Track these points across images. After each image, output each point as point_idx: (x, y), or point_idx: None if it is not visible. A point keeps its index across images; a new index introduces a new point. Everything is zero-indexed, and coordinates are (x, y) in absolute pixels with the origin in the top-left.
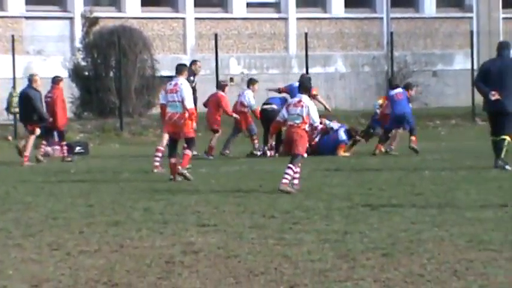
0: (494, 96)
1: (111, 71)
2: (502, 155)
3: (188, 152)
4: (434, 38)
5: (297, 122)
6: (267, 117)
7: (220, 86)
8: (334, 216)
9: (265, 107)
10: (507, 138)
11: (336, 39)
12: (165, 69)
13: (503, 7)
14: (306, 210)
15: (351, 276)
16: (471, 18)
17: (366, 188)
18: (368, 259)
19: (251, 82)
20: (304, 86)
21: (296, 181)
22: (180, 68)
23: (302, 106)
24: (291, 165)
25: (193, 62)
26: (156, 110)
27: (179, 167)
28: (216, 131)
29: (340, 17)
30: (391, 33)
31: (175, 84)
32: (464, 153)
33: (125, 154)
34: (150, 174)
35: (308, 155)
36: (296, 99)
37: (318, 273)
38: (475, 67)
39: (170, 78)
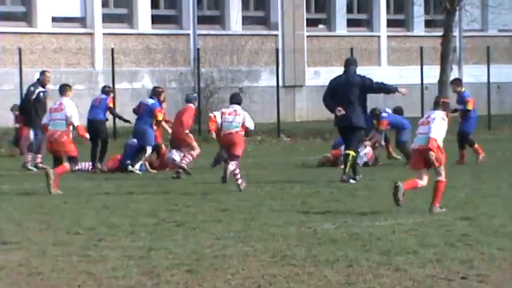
0: (340, 111)
1: None
2: (347, 170)
3: (67, 165)
4: (240, 54)
5: (236, 129)
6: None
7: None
8: (139, 232)
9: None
10: (351, 153)
11: (143, 55)
12: None
13: (308, 25)
14: (111, 227)
15: None
16: (276, 35)
17: (172, 204)
18: (173, 275)
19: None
20: (238, 98)
21: (240, 180)
22: (63, 88)
23: (238, 115)
24: (233, 163)
25: (43, 72)
26: None
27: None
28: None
29: (147, 32)
30: (198, 50)
31: (60, 104)
32: (270, 169)
33: None
34: None
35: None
36: (231, 109)
37: None
38: (280, 84)
39: None
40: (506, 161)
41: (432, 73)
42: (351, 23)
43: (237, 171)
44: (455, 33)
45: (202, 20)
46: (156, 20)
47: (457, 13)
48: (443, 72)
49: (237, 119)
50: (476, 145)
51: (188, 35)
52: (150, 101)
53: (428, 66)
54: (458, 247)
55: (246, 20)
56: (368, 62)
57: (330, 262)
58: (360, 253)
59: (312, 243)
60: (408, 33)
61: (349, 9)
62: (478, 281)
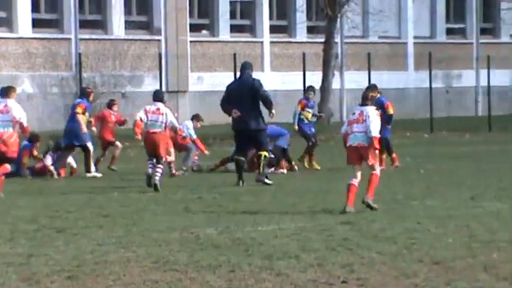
0: (236, 113)
1: None
2: (261, 170)
3: (8, 166)
4: (123, 59)
5: (160, 129)
6: None
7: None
8: (19, 239)
9: None
10: (263, 153)
11: (23, 59)
12: None
13: (191, 30)
14: None
15: None
16: (159, 40)
17: (53, 210)
18: (53, 282)
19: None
20: (161, 95)
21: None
22: (7, 90)
23: (161, 114)
24: (159, 165)
25: None
26: None
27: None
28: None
29: (27, 36)
30: (79, 54)
31: (5, 105)
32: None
33: None
34: None
35: None
36: (154, 107)
37: None
38: (164, 89)
39: None
40: (388, 167)
41: (314, 79)
42: (234, 28)
43: (159, 170)
44: (337, 39)
45: (84, 24)
46: (36, 23)
47: (339, 20)
48: (326, 78)
49: (160, 118)
50: (384, 156)
51: (70, 39)
52: (78, 100)
53: (311, 72)
54: (339, 251)
55: (129, 25)
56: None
57: (212, 267)
58: (242, 258)
59: (194, 248)
60: (291, 39)
61: (232, 15)
62: (358, 285)
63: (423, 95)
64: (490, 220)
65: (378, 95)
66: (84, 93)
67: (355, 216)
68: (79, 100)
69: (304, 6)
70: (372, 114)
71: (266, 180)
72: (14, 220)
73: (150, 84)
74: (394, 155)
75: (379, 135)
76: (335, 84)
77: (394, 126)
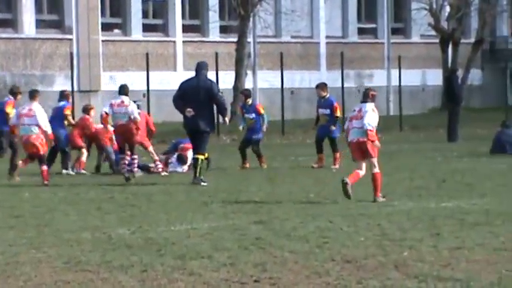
0: (190, 112)
1: None
2: (197, 174)
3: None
4: (34, 58)
5: (126, 120)
6: None
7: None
8: None
9: None
10: (200, 157)
11: None
12: None
13: (103, 30)
14: None
15: None
16: (71, 40)
17: None
18: None
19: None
20: (126, 89)
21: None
22: (33, 93)
23: (126, 105)
24: (134, 156)
25: None
26: None
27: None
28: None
29: None
30: None
31: (30, 109)
32: (64, 174)
33: None
34: None
35: None
36: (119, 100)
37: None
38: (76, 89)
39: None
40: (299, 166)
41: (227, 79)
42: (146, 27)
43: (135, 161)
44: (250, 39)
45: None
46: None
47: (251, 19)
48: (238, 77)
49: (125, 110)
50: (338, 154)
51: None
52: (62, 103)
53: (224, 71)
54: (251, 250)
55: (40, 24)
56: (164, 66)
57: (125, 267)
58: (155, 258)
59: (106, 248)
60: (204, 39)
61: (145, 14)
62: (270, 283)
63: (335, 94)
64: (401, 219)
65: (328, 95)
66: (64, 96)
67: (268, 216)
68: (65, 104)
69: (217, 5)
70: (369, 109)
71: (202, 183)
72: None
73: (61, 84)
74: (336, 154)
75: (373, 128)
76: (248, 83)
77: (307, 125)
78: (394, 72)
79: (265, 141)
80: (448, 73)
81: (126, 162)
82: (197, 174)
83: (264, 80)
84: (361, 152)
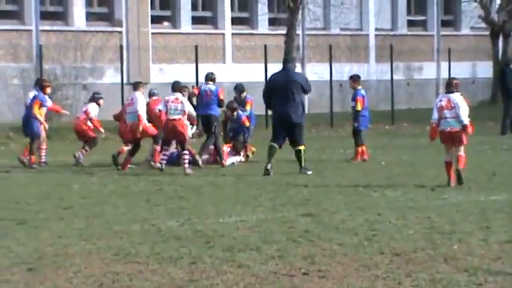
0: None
1: None
2: (303, 163)
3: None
4: (84, 51)
5: (179, 116)
6: None
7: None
8: None
9: None
10: (301, 148)
11: None
12: None
13: (152, 22)
14: None
15: None
16: (121, 32)
17: (13, 202)
18: (13, 274)
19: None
20: (179, 85)
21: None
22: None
23: (180, 102)
24: (185, 152)
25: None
26: None
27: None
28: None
29: None
30: (40, 46)
31: (132, 99)
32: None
33: None
34: None
35: None
36: (173, 97)
37: None
38: (125, 81)
39: None
40: (347, 159)
41: (276, 71)
42: (195, 20)
43: (186, 156)
44: (299, 31)
45: (45, 16)
46: None
47: (300, 12)
48: None
49: (179, 106)
50: (361, 148)
51: (31, 30)
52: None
53: (272, 64)
54: (300, 243)
55: (90, 16)
56: (213, 59)
57: (174, 259)
58: (204, 250)
59: (155, 240)
60: (253, 31)
61: (194, 7)
62: (319, 276)
63: (384, 87)
64: (451, 212)
65: (359, 87)
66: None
67: (316, 208)
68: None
69: None
70: (460, 100)
71: (308, 172)
72: None
73: (111, 76)
74: (360, 148)
75: (468, 122)
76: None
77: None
78: (444, 65)
79: (314, 134)
80: (501, 66)
81: (166, 155)
82: (302, 164)
83: (312, 73)
84: (452, 140)
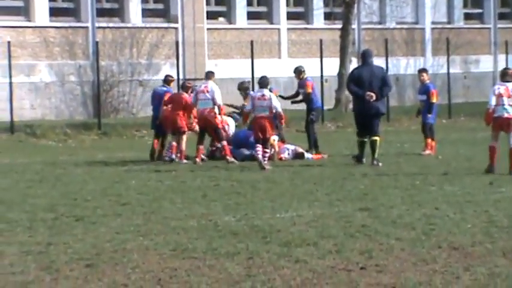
0: (372, 97)
1: None
2: (376, 155)
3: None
4: (140, 47)
5: (266, 113)
6: None
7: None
8: (38, 227)
9: None
10: (377, 138)
11: (41, 48)
12: None
13: (208, 18)
14: (8, 222)
15: None
16: (176, 28)
17: (71, 198)
18: (72, 270)
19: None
20: (265, 82)
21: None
22: (208, 74)
23: (266, 99)
24: (266, 149)
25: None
26: None
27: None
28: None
29: (44, 25)
30: (97, 43)
31: (206, 86)
32: (171, 162)
33: None
34: None
35: None
36: (260, 94)
37: (19, 285)
38: (181, 77)
39: None
40: (404, 153)
41: (332, 66)
42: (251, 15)
43: (266, 154)
44: (354, 25)
45: (101, 13)
46: (54, 12)
47: (356, 6)
48: (343, 64)
49: (265, 103)
50: (430, 140)
51: (87, 27)
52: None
53: (328, 58)
54: (357, 238)
55: (146, 13)
56: (268, 54)
57: (231, 254)
58: (261, 245)
59: (212, 236)
60: (308, 26)
61: (249, 2)
62: (377, 271)
63: (441, 80)
64: (509, 205)
65: (428, 80)
66: (167, 81)
67: (373, 203)
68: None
69: None
70: None
71: (379, 163)
72: (32, 209)
73: (167, 72)
74: (429, 141)
75: None
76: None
77: (412, 112)
78: (501, 58)
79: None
80: None
81: (259, 152)
82: (375, 155)
83: None
84: (507, 127)
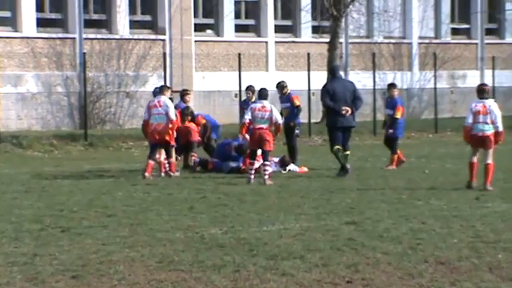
0: (348, 112)
1: None
2: (347, 166)
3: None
4: (127, 59)
5: (265, 125)
6: None
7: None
8: (23, 238)
9: None
10: (349, 152)
11: (28, 58)
12: None
13: (196, 30)
14: None
15: None
16: (164, 40)
17: (57, 209)
18: (57, 281)
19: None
20: (265, 93)
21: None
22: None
23: (267, 111)
24: (266, 163)
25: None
26: None
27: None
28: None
29: (32, 36)
30: (84, 54)
31: (159, 101)
32: (157, 173)
33: None
34: None
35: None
36: (260, 105)
37: None
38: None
39: None
40: (382, 166)
41: (319, 79)
42: (238, 28)
43: (267, 167)
44: (342, 39)
45: (88, 24)
46: (41, 23)
47: (344, 20)
48: None
49: (266, 115)
50: (396, 155)
51: (74, 38)
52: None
53: (316, 72)
54: (344, 251)
55: (133, 24)
56: (256, 67)
57: (217, 267)
58: (247, 258)
59: (199, 248)
60: (296, 39)
61: (237, 15)
62: (363, 285)
63: (428, 95)
64: (495, 220)
65: (396, 95)
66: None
67: (360, 217)
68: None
69: (309, 6)
70: (495, 107)
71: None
72: (18, 219)
73: (154, 84)
74: (395, 156)
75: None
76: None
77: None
78: (488, 73)
79: (357, 142)
80: None
81: (254, 168)
82: (347, 166)
83: (355, 81)
84: (482, 144)
